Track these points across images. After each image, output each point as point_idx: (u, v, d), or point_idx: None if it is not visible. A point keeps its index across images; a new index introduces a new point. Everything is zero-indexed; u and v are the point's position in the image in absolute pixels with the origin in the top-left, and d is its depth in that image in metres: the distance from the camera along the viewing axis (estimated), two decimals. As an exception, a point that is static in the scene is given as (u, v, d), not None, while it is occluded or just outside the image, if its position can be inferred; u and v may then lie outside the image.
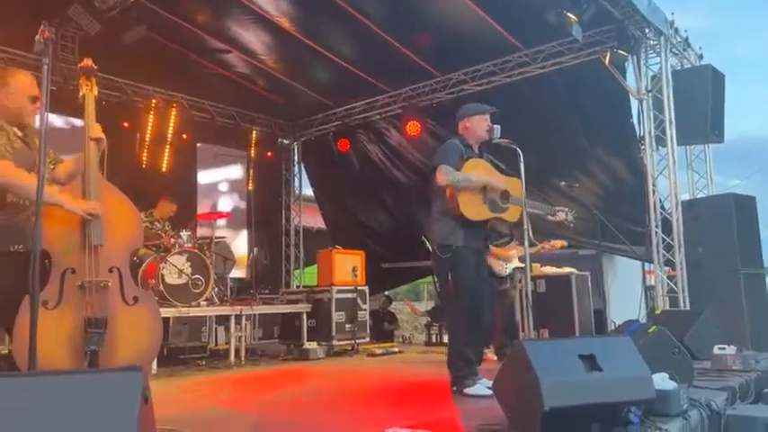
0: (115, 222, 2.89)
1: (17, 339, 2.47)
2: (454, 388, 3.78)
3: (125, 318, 2.77)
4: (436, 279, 4.20)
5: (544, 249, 6.05)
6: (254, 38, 7.39)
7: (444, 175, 3.73)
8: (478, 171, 3.85)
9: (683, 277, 6.20)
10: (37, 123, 2.50)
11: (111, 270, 2.80)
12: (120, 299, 2.80)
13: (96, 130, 2.96)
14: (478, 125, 3.96)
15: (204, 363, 6.17)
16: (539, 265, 6.30)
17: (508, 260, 5.73)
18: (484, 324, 4.02)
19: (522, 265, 5.83)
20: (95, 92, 3.03)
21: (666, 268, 6.39)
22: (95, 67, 3.02)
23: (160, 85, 8.31)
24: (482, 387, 3.62)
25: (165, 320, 6.02)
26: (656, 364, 2.98)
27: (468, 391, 3.67)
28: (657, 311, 5.73)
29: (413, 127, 8.39)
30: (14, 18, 6.05)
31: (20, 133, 2.82)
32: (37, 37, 2.40)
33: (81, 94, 3.02)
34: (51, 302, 2.62)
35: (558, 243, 6.10)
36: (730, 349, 4.37)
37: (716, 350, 4.40)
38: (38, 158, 2.75)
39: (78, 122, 7.36)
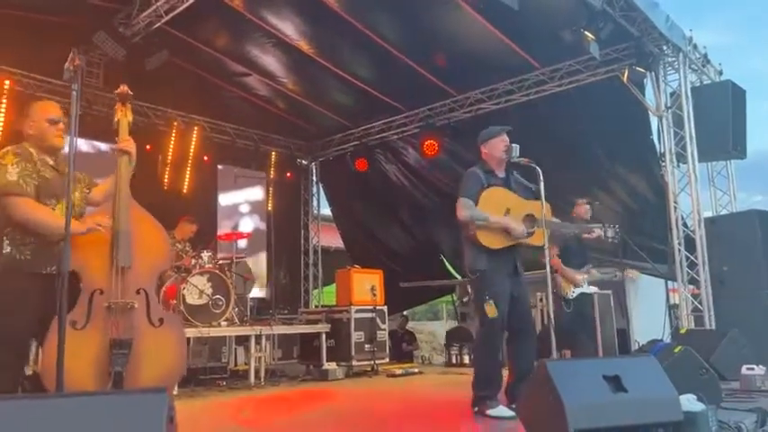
0: (144, 245, 2.94)
1: (46, 359, 2.51)
2: (476, 409, 3.74)
3: (150, 339, 2.79)
4: (457, 300, 4.19)
5: (616, 278, 5.97)
6: (273, 61, 7.52)
7: (463, 211, 3.80)
8: (494, 203, 3.85)
9: (707, 296, 6.09)
10: (66, 148, 2.58)
11: (138, 292, 2.84)
12: (147, 320, 2.83)
13: (127, 142, 3.06)
14: (496, 147, 3.97)
15: (224, 383, 6.16)
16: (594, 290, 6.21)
17: (576, 283, 5.66)
18: (525, 348, 3.93)
19: (590, 290, 5.79)
20: (130, 117, 3.13)
21: (690, 287, 6.28)
22: (131, 94, 3.12)
23: (181, 108, 8.46)
24: (504, 409, 3.58)
25: (186, 341, 6.04)
26: (682, 384, 2.92)
27: (490, 412, 3.63)
28: (682, 331, 5.63)
29: (430, 146, 8.41)
30: (41, 46, 6.24)
31: (50, 162, 2.92)
32: (66, 65, 2.48)
33: (116, 119, 3.12)
34: (80, 323, 2.67)
35: (632, 273, 6.00)
36: (759, 369, 4.27)
37: (744, 370, 4.30)
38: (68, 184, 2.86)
39: (103, 146, 7.55)
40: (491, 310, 3.72)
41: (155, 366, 2.75)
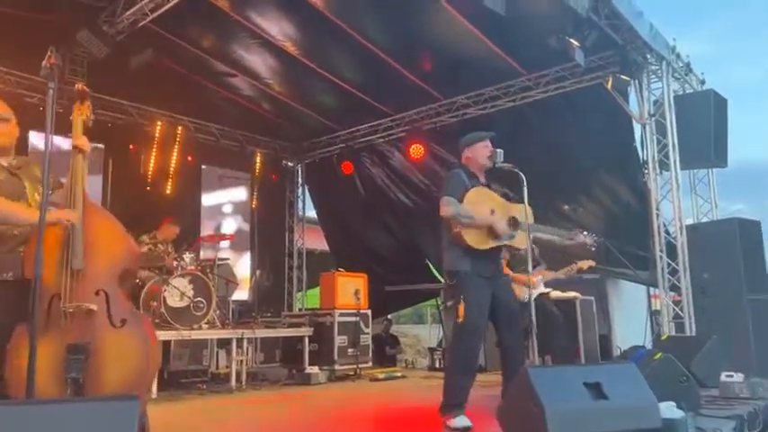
0: (99, 244, 2.82)
1: (10, 367, 2.45)
2: (442, 417, 3.65)
3: (113, 341, 2.69)
4: (441, 304, 4.12)
5: (571, 272, 5.96)
6: (259, 61, 7.47)
7: (447, 207, 3.72)
8: (480, 201, 3.83)
9: (688, 302, 6.14)
10: (39, 146, 2.54)
11: (97, 293, 2.73)
12: (108, 322, 2.72)
13: (81, 139, 2.95)
14: (479, 153, 3.95)
15: (205, 387, 6.11)
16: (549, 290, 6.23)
17: (530, 286, 5.65)
18: (513, 351, 3.88)
19: (547, 290, 5.79)
20: (85, 116, 3.02)
21: (672, 293, 6.33)
22: (88, 92, 3.04)
23: (166, 107, 8.38)
24: (463, 418, 3.52)
25: (167, 343, 5.98)
26: (662, 391, 2.94)
27: (449, 423, 3.53)
28: (663, 337, 5.67)
29: (416, 150, 8.42)
30: (24, 43, 6.14)
31: (4, 163, 2.85)
32: (43, 62, 2.45)
33: (71, 117, 3.02)
34: (38, 330, 2.50)
35: (586, 264, 5.96)
36: (738, 376, 4.31)
37: (723, 377, 4.33)
38: (26, 186, 2.86)
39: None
40: (462, 313, 3.66)
41: (119, 370, 2.64)
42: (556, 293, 6.32)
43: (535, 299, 5.60)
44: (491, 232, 3.77)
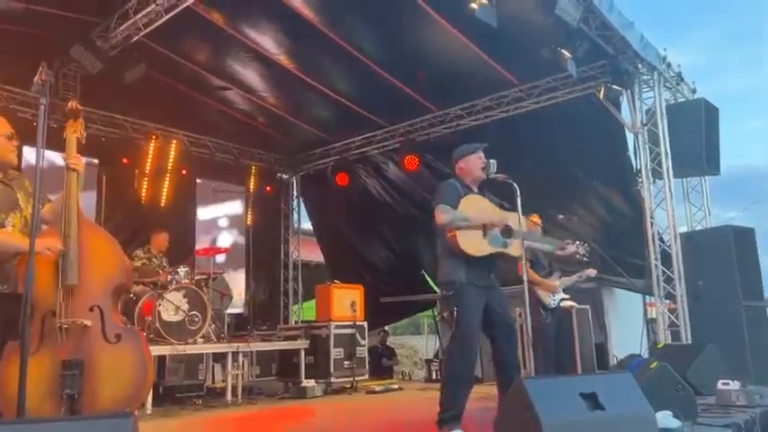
0: (93, 260, 2.83)
1: (2, 384, 2.42)
2: (439, 430, 3.60)
3: (107, 357, 2.68)
4: (437, 315, 4.10)
5: (581, 279, 5.98)
6: (253, 75, 7.50)
7: (442, 215, 3.70)
8: (475, 207, 3.83)
9: (684, 310, 6.14)
10: (32, 161, 2.52)
11: (91, 309, 2.73)
12: (102, 338, 2.72)
13: (74, 158, 2.93)
14: (473, 164, 3.95)
15: (201, 401, 6.05)
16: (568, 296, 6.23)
17: (554, 291, 5.69)
18: (507, 361, 3.84)
19: (567, 296, 5.81)
20: (79, 133, 3.01)
21: (667, 301, 6.34)
22: (81, 109, 3.02)
23: (160, 121, 8.38)
24: None
25: (162, 358, 5.94)
26: (659, 401, 2.94)
27: None
28: (659, 346, 5.66)
29: (410, 161, 8.44)
30: (17, 57, 6.14)
31: None
32: (35, 78, 2.44)
33: (64, 135, 3.00)
34: (32, 347, 2.54)
35: (592, 272, 6.01)
36: (734, 384, 4.30)
37: (720, 385, 4.32)
38: (19, 197, 2.83)
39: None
40: (457, 323, 3.63)
41: (114, 385, 2.64)
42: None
43: (555, 308, 5.65)
44: (486, 232, 3.76)
